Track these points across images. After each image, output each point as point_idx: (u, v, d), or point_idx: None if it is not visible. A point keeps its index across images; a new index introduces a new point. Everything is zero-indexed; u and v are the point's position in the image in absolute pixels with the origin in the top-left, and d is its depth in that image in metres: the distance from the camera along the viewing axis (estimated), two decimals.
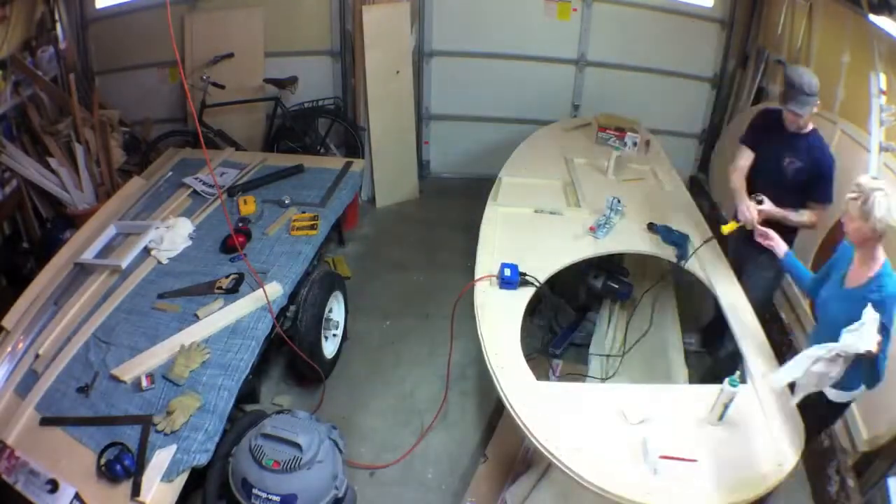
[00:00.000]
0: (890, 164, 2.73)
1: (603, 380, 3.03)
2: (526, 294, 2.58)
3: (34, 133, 3.99)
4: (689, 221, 3.15)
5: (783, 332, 3.25)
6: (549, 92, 4.95)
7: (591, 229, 3.00)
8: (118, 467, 2.03)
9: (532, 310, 3.48)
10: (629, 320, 3.32)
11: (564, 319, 3.54)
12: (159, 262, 3.04)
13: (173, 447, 2.13)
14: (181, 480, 2.08)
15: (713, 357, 3.27)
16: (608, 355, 3.17)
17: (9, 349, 2.60)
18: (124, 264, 2.97)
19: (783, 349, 3.14)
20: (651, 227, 3.06)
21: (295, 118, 4.66)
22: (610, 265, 3.33)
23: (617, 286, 3.26)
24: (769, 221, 2.62)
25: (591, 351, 3.25)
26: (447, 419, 3.12)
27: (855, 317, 1.83)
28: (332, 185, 3.72)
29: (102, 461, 2.06)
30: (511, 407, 2.09)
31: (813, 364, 1.86)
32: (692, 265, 2.82)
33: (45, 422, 2.26)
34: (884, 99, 2.78)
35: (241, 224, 3.28)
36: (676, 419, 2.06)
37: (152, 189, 3.67)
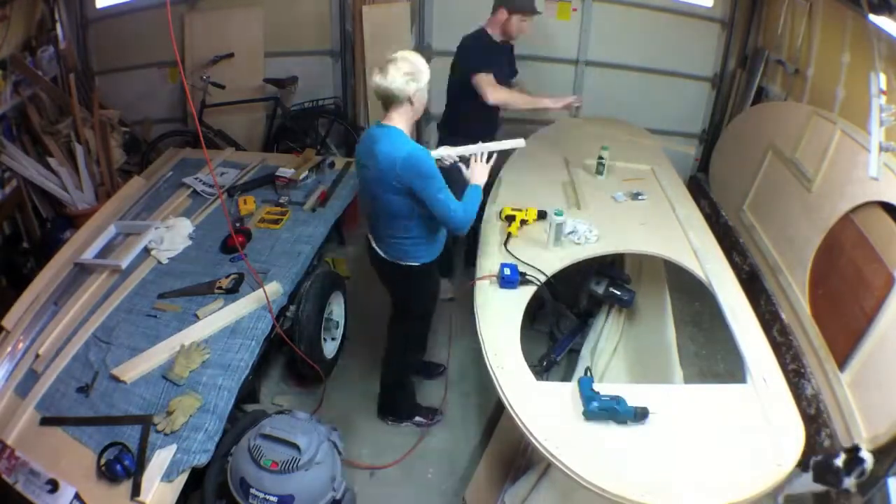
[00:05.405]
0: (890, 164, 2.72)
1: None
2: (526, 294, 2.57)
3: (34, 133, 3.99)
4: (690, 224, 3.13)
5: (783, 332, 3.24)
6: (548, 92, 4.93)
7: None
8: (118, 467, 2.04)
9: (533, 316, 3.48)
10: (623, 322, 3.30)
11: (566, 326, 3.54)
12: (159, 262, 3.04)
13: (173, 447, 2.13)
14: (181, 480, 2.08)
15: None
16: (593, 358, 3.15)
17: (9, 349, 2.60)
18: (124, 264, 2.98)
19: (783, 349, 3.14)
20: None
21: (295, 118, 4.66)
22: (611, 271, 3.32)
23: (619, 293, 3.24)
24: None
25: (581, 352, 3.23)
26: (447, 419, 3.12)
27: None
28: (333, 185, 3.72)
29: (102, 461, 2.06)
30: (511, 407, 2.08)
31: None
32: (692, 265, 2.81)
33: (45, 422, 2.26)
34: (884, 99, 2.77)
35: (238, 224, 3.28)
36: (674, 418, 2.06)
37: (152, 189, 3.67)
